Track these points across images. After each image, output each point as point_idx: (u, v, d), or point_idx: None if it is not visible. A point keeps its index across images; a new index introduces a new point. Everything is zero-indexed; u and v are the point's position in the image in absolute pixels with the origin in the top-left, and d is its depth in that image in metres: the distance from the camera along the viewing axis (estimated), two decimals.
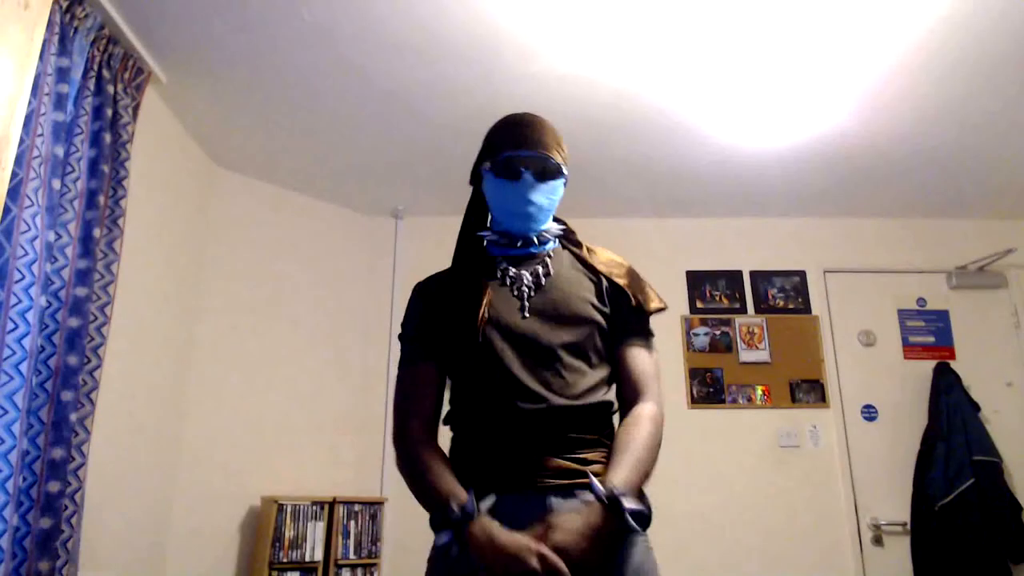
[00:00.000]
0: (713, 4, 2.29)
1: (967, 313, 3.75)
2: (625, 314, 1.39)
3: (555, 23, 2.40)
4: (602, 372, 1.35)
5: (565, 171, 1.40)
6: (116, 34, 2.38)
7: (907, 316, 3.76)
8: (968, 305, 3.77)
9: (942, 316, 3.76)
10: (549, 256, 1.43)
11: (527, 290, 1.36)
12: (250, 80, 2.74)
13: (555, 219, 1.48)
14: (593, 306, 1.37)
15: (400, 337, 1.43)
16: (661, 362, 1.42)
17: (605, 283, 1.41)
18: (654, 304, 1.42)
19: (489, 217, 1.48)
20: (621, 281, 1.41)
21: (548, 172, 1.37)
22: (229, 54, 2.58)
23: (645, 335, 1.41)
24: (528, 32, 2.44)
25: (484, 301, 1.32)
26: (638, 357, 1.37)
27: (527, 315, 1.33)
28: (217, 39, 2.50)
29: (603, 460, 1.28)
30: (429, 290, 1.44)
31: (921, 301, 3.79)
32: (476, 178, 1.47)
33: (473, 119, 2.94)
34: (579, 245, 1.48)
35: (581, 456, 1.27)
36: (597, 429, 1.32)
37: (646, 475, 1.23)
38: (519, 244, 1.41)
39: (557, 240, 1.47)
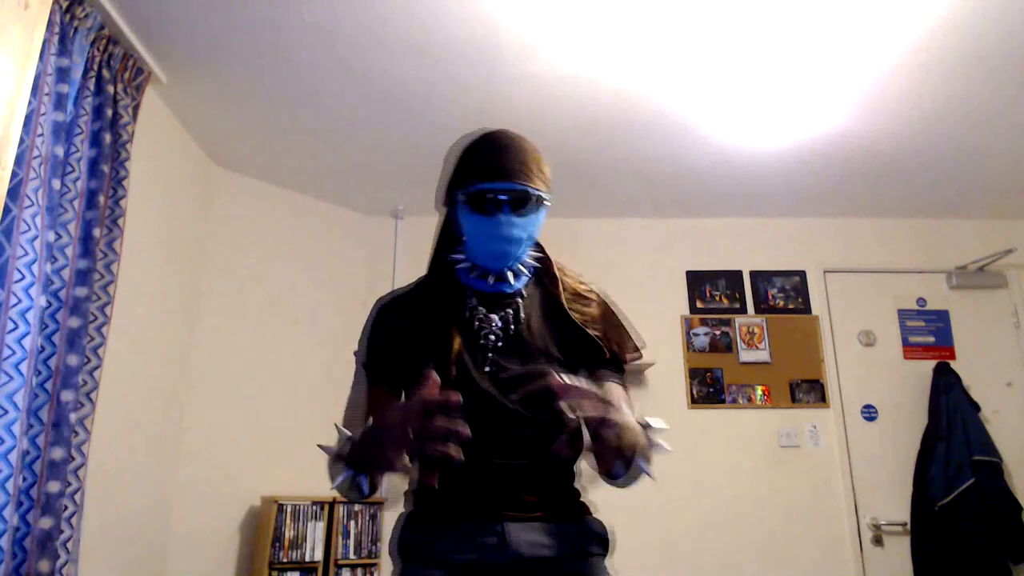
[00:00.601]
0: (713, 4, 2.29)
1: (967, 313, 3.75)
2: (597, 360, 1.31)
3: (555, 23, 2.40)
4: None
5: (547, 198, 1.28)
6: (116, 34, 2.38)
7: (907, 316, 3.77)
8: (968, 305, 3.77)
9: (942, 316, 3.76)
10: (521, 297, 1.33)
11: (493, 338, 1.27)
12: (250, 80, 2.74)
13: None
14: (560, 362, 1.28)
15: (356, 355, 1.36)
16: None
17: (576, 335, 1.30)
18: (630, 354, 1.35)
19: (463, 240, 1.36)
20: (595, 331, 1.31)
21: (527, 205, 1.25)
22: (229, 54, 2.58)
23: (618, 375, 1.33)
24: (528, 32, 2.44)
25: (453, 354, 1.24)
26: (611, 388, 1.29)
27: (488, 368, 1.25)
28: (217, 39, 2.50)
29: (567, 494, 1.28)
30: (391, 314, 1.35)
31: (921, 301, 3.79)
32: (449, 199, 1.35)
33: (473, 119, 2.93)
34: (554, 279, 1.36)
35: (544, 494, 1.26)
36: (562, 477, 1.30)
37: (632, 439, 1.14)
38: (492, 280, 1.31)
39: (532, 272, 1.36)
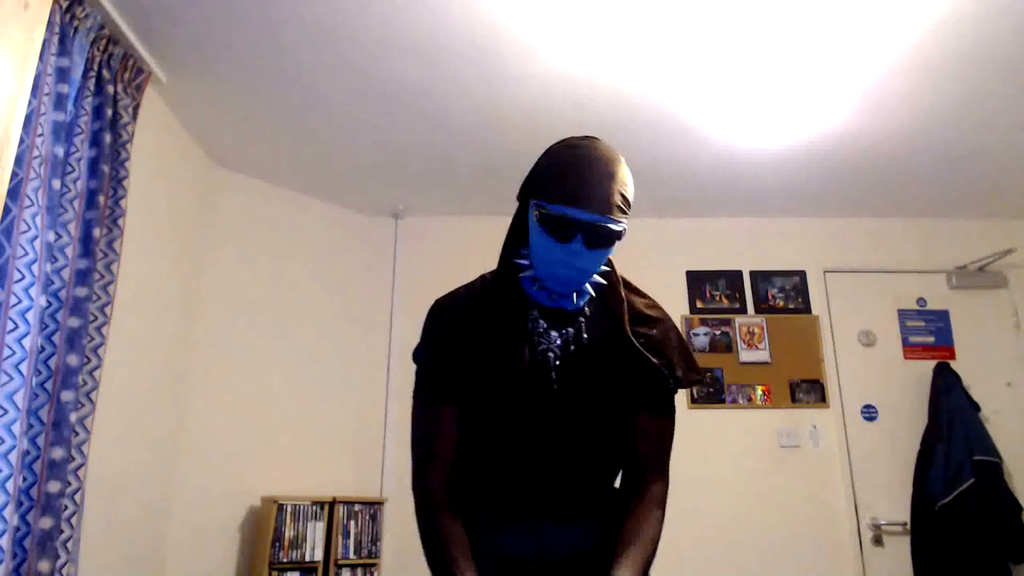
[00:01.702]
0: (713, 4, 2.29)
1: (967, 313, 3.75)
2: (655, 385, 1.29)
3: (555, 23, 2.40)
4: (619, 440, 1.32)
5: (624, 230, 1.18)
6: (116, 34, 2.38)
7: (907, 316, 3.76)
8: (968, 305, 3.77)
9: (942, 316, 3.76)
10: (584, 316, 1.29)
11: (552, 356, 1.25)
12: (250, 80, 2.74)
13: None
14: (622, 386, 1.27)
15: (417, 362, 1.33)
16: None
17: (636, 359, 1.27)
18: (691, 376, 1.31)
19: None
20: (657, 356, 1.28)
21: (604, 240, 1.16)
22: (229, 54, 2.58)
23: (669, 404, 1.32)
24: (528, 32, 2.44)
25: (519, 372, 1.24)
26: (657, 426, 1.30)
27: (553, 388, 1.24)
28: (217, 39, 2.50)
29: (610, 496, 1.31)
30: (451, 318, 1.31)
31: (921, 301, 3.79)
32: (524, 198, 1.27)
33: (473, 119, 2.94)
34: (619, 299, 1.31)
35: (590, 497, 1.29)
36: (607, 482, 1.33)
37: (649, 563, 1.20)
38: (554, 297, 1.27)
39: (596, 289, 1.31)
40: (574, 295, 1.27)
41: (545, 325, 1.27)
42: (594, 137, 1.24)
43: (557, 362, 1.25)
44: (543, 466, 1.25)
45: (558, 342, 1.26)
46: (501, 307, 1.28)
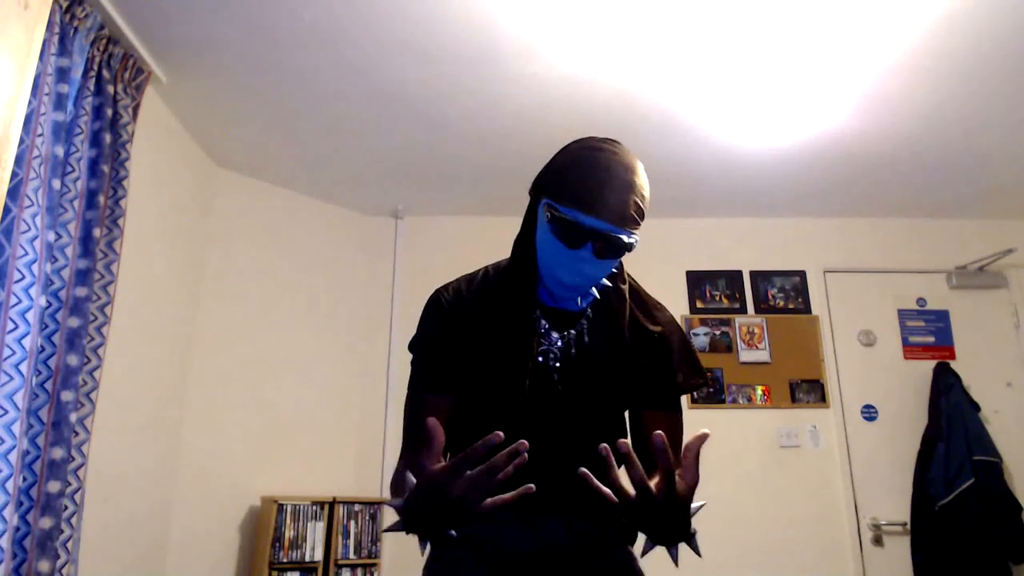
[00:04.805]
0: (713, 4, 2.29)
1: (967, 313, 3.75)
2: (659, 387, 1.27)
3: (555, 23, 2.40)
4: (621, 430, 1.31)
5: (635, 243, 1.16)
6: (116, 34, 2.38)
7: (907, 316, 3.76)
8: (968, 305, 3.77)
9: (942, 316, 3.76)
10: (587, 318, 1.27)
11: (552, 357, 1.23)
12: (250, 80, 2.74)
13: None
14: (625, 387, 1.25)
15: (413, 352, 1.31)
16: None
17: (636, 362, 1.25)
18: (693, 380, 1.29)
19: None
20: (661, 363, 1.26)
21: (614, 251, 1.15)
22: (229, 54, 2.58)
23: (676, 405, 1.30)
24: (528, 32, 2.44)
25: (525, 374, 1.20)
26: (666, 424, 1.26)
27: (556, 390, 1.22)
28: (217, 39, 2.50)
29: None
30: (450, 310, 1.27)
31: (921, 301, 3.79)
32: (536, 193, 1.23)
33: (473, 119, 2.94)
34: (622, 300, 1.28)
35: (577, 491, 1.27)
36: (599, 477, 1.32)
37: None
38: (555, 297, 1.25)
39: (600, 289, 1.28)
40: (578, 298, 1.25)
41: (547, 326, 1.25)
42: (615, 141, 1.20)
43: (557, 364, 1.23)
44: (541, 462, 1.22)
45: (559, 344, 1.24)
46: (509, 304, 1.24)
